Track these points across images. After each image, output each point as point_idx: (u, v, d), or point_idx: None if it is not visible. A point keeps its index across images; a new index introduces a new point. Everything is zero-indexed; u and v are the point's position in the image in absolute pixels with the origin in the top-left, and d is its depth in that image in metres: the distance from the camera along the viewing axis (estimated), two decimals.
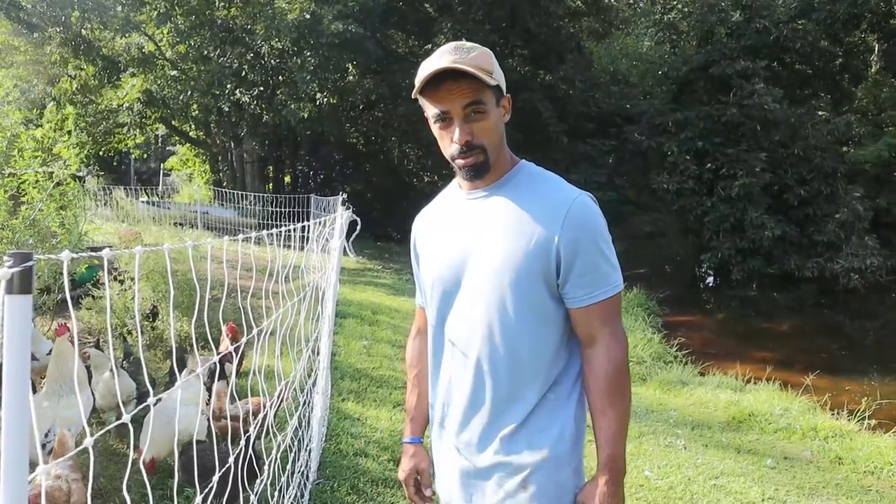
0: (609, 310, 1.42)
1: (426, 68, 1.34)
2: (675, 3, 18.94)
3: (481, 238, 1.44)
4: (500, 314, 1.41)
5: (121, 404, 1.16)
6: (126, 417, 1.07)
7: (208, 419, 2.68)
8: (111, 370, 3.30)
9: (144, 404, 1.22)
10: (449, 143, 1.40)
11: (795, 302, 13.97)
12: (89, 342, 4.30)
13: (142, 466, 1.18)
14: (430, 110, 1.40)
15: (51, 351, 3.35)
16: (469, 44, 1.37)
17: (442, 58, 1.34)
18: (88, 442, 0.95)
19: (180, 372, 3.52)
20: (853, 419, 5.34)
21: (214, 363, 3.35)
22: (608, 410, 1.39)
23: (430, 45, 17.23)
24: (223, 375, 3.29)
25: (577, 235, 1.37)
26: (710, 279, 16.62)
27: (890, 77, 19.77)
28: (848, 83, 19.70)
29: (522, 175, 1.47)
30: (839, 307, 13.61)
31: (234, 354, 2.52)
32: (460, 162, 1.40)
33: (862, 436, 4.89)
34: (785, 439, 4.84)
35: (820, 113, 16.87)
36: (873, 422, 5.27)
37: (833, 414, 5.51)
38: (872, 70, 20.53)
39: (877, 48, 20.29)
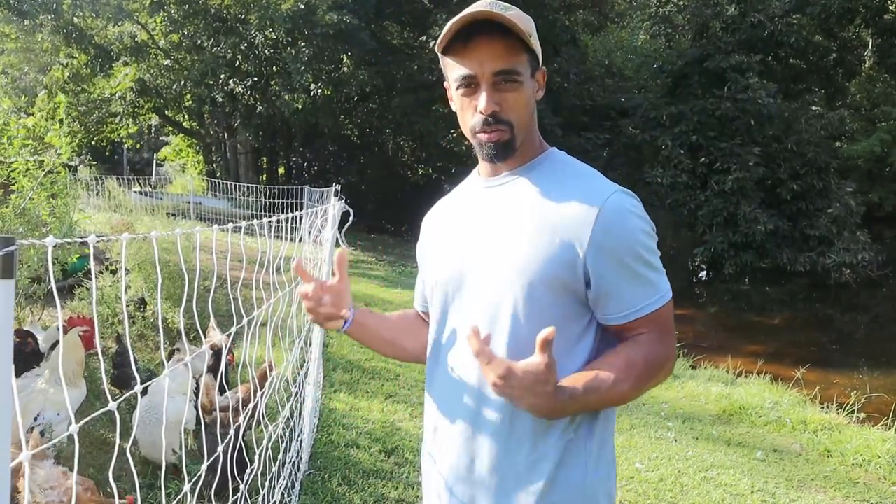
0: (658, 319, 1.16)
1: (455, 19, 1.11)
2: None
3: (491, 233, 1.20)
4: (509, 332, 1.16)
5: (108, 393, 1.16)
6: (112, 405, 1.06)
7: (196, 408, 2.68)
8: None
9: (132, 392, 1.21)
10: (472, 114, 1.17)
11: (787, 296, 14.05)
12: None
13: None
14: (454, 72, 1.17)
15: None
16: (507, 3, 1.14)
17: (476, 8, 1.12)
18: (74, 429, 0.95)
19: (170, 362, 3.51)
20: (842, 412, 5.37)
21: (212, 354, 3.35)
22: (613, 372, 1.11)
23: (424, 37, 17.18)
24: (214, 368, 3.28)
25: (610, 244, 1.12)
26: (703, 273, 16.69)
27: (883, 72, 19.85)
28: (842, 78, 19.77)
29: (551, 162, 1.24)
30: (830, 301, 13.70)
31: (223, 348, 2.52)
32: (482, 136, 1.17)
33: (851, 429, 4.92)
34: (775, 432, 4.87)
35: (814, 108, 16.94)
36: (862, 415, 5.31)
37: (823, 407, 5.54)
38: (866, 65, 20.60)
39: (870, 43, 20.34)
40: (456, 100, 1.21)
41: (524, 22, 1.13)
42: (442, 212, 1.38)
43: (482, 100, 1.14)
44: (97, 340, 1.14)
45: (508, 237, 1.18)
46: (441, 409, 1.28)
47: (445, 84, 1.24)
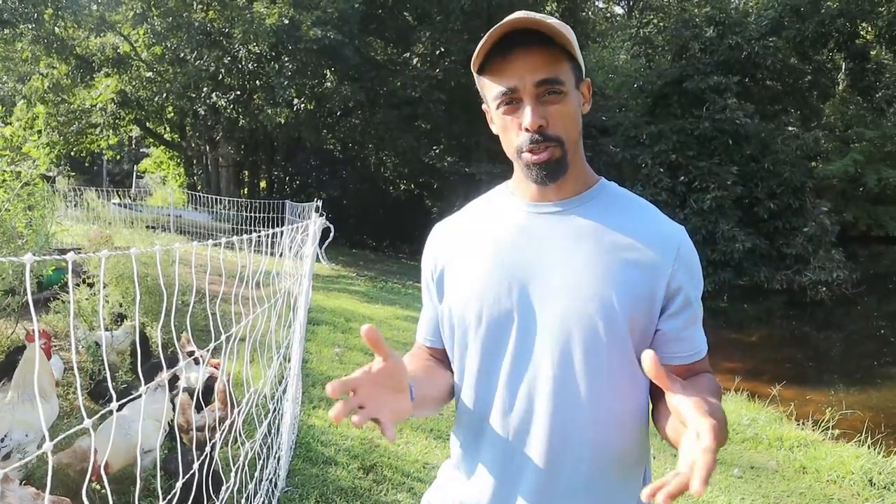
0: (706, 365, 1.16)
1: (491, 31, 1.01)
2: (650, 17, 19.30)
3: (559, 265, 1.07)
4: (586, 375, 1.05)
5: (83, 408, 1.15)
6: (88, 423, 1.06)
7: (171, 430, 2.64)
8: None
9: (106, 409, 1.21)
10: (516, 133, 1.06)
11: (764, 313, 14.23)
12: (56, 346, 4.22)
13: (102, 473, 1.16)
14: (493, 90, 1.06)
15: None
16: (543, 14, 1.06)
17: (514, 17, 1.02)
18: (48, 446, 0.94)
19: (145, 378, 3.47)
20: (818, 429, 5.44)
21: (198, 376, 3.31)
22: (712, 395, 1.04)
23: (408, 54, 17.31)
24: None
25: (688, 278, 1.08)
26: None
27: (856, 95, 20.32)
28: (816, 100, 20.23)
29: (608, 193, 1.15)
30: (807, 319, 13.89)
31: (200, 362, 2.50)
32: (529, 157, 1.06)
33: (826, 445, 4.99)
34: (752, 449, 4.91)
35: (789, 128, 17.28)
36: (837, 431, 5.38)
37: (799, 424, 5.61)
38: (839, 87, 21.09)
39: (843, 66, 20.85)
40: (497, 120, 1.10)
41: (566, 29, 1.04)
42: (464, 234, 1.19)
43: (526, 115, 1.03)
44: (73, 356, 1.13)
45: (583, 268, 1.06)
46: (503, 468, 1.14)
47: (484, 107, 1.14)
